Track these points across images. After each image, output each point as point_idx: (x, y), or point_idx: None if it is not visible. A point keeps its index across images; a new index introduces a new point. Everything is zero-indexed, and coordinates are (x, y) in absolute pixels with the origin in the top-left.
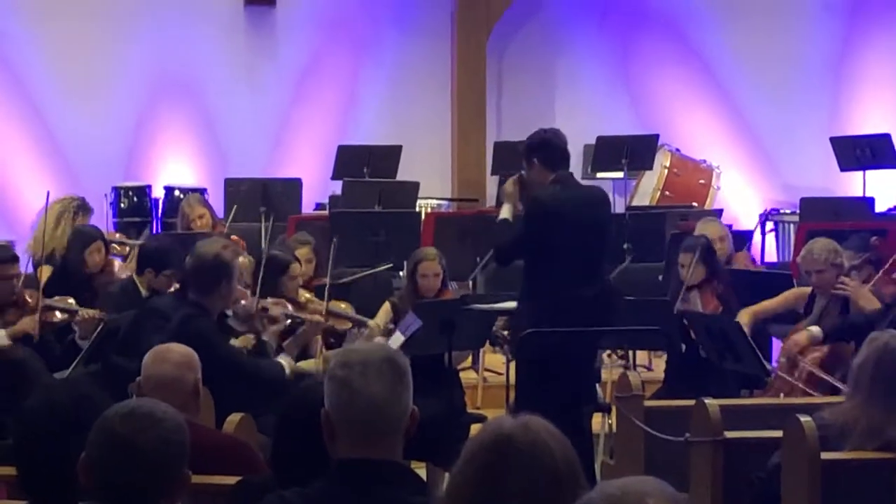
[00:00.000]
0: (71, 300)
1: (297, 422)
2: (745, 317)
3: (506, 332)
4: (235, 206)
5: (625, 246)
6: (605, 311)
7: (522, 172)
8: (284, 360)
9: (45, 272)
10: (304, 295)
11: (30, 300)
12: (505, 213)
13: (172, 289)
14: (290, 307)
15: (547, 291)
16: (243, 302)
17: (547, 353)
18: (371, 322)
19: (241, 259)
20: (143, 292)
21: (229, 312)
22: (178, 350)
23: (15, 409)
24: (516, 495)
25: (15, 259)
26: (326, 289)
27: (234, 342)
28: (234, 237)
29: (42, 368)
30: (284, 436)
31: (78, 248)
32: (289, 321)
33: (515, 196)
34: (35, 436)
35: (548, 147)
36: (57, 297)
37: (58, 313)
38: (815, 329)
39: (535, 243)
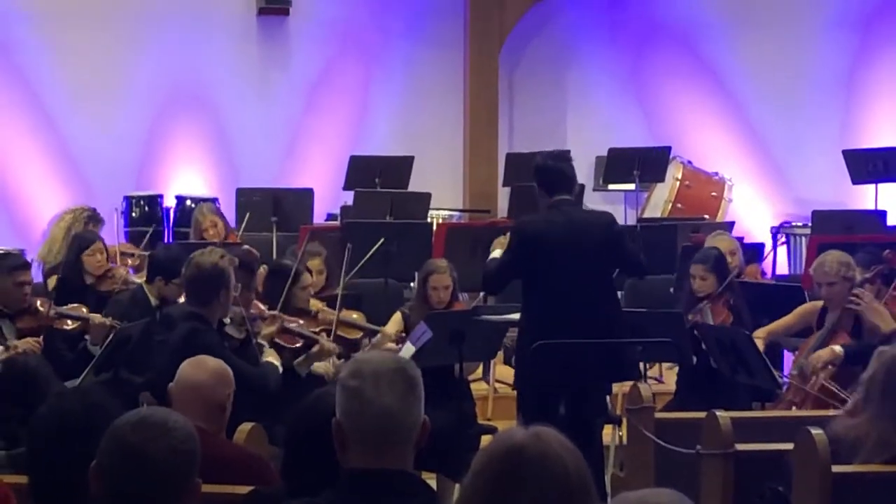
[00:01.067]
0: (83, 308)
1: (307, 431)
2: (759, 342)
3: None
4: (248, 214)
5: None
6: (601, 332)
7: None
8: (272, 357)
9: (55, 281)
10: (316, 305)
11: (41, 308)
12: (495, 254)
13: (182, 297)
14: (304, 327)
15: (538, 313)
16: (260, 316)
17: (552, 369)
18: (383, 329)
19: (260, 270)
20: (153, 301)
21: (227, 320)
22: (216, 362)
23: (26, 418)
24: None
25: (27, 266)
26: (339, 299)
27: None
28: (247, 247)
29: (53, 377)
30: (295, 445)
31: (75, 251)
32: (300, 344)
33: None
34: (46, 444)
35: (546, 172)
36: (69, 305)
37: (69, 321)
38: (839, 349)
39: (520, 268)
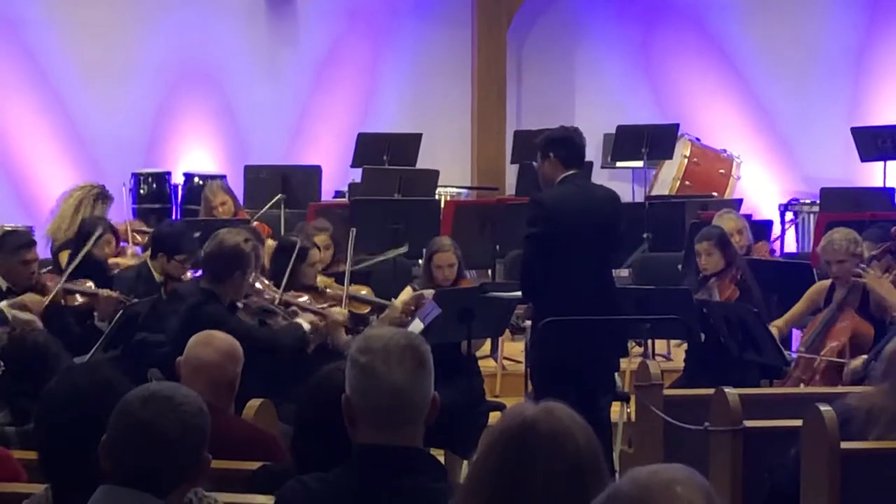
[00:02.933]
0: (90, 283)
1: (317, 407)
2: (776, 331)
3: (523, 325)
4: (268, 203)
5: (644, 235)
6: (610, 309)
7: (534, 163)
8: (303, 320)
9: (65, 257)
10: (324, 281)
11: (49, 284)
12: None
13: (188, 274)
14: (310, 301)
15: (551, 286)
16: (266, 294)
17: (561, 343)
18: (394, 301)
19: (268, 242)
20: (157, 277)
21: (240, 304)
22: (225, 339)
23: (35, 394)
24: (539, 482)
25: (32, 244)
26: (347, 274)
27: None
28: (257, 223)
29: (62, 353)
30: (305, 421)
31: (82, 240)
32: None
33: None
34: (56, 420)
35: (567, 144)
36: (76, 280)
37: (78, 296)
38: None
39: (548, 242)
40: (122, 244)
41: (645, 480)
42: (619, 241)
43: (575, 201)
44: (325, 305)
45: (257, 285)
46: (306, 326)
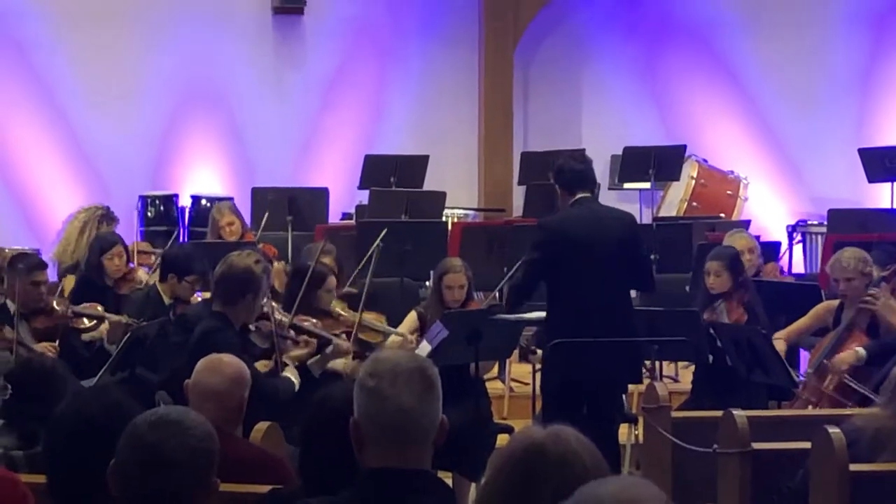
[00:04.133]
0: (99, 307)
1: (318, 428)
2: (781, 343)
3: (534, 348)
4: (267, 214)
5: (652, 256)
6: (622, 331)
7: None
8: (291, 375)
9: (70, 282)
10: (338, 307)
11: (57, 308)
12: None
13: (195, 296)
14: (320, 326)
15: (561, 308)
16: (278, 315)
17: (572, 365)
18: (398, 331)
19: (275, 265)
20: (166, 300)
21: (252, 327)
22: (233, 364)
23: (43, 417)
24: None
25: (43, 265)
26: (361, 302)
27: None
28: (264, 245)
29: (69, 376)
30: (307, 443)
31: (96, 253)
32: (317, 342)
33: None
34: (65, 443)
35: (565, 172)
36: (84, 304)
37: (86, 320)
38: (862, 351)
39: (547, 266)
40: (130, 265)
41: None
42: (637, 263)
43: (581, 224)
44: (337, 332)
45: (266, 309)
46: (296, 381)
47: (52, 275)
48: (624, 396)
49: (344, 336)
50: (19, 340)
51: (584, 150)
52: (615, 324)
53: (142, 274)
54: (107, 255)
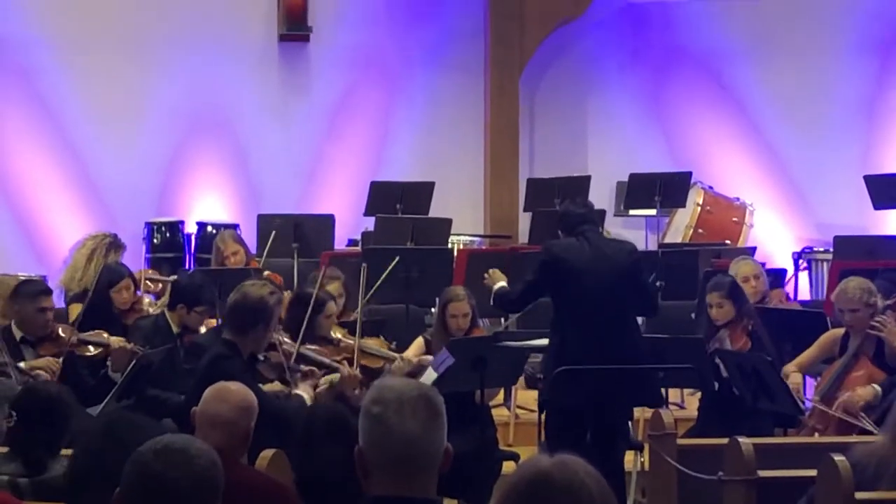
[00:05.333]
0: (104, 334)
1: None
2: (795, 377)
3: (539, 375)
4: (272, 238)
5: (657, 283)
6: (629, 357)
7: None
8: (304, 393)
9: (77, 309)
10: (338, 332)
11: (63, 334)
12: (501, 283)
13: (204, 326)
14: (326, 355)
15: (565, 336)
16: (285, 345)
17: (577, 393)
18: (402, 355)
19: (286, 293)
20: (175, 329)
21: (261, 357)
22: (240, 394)
23: (49, 444)
24: None
25: (49, 292)
26: (358, 327)
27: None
28: (268, 273)
29: (75, 404)
30: (302, 461)
31: (104, 286)
32: (323, 373)
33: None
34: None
35: (564, 218)
36: (91, 332)
37: (91, 347)
38: (878, 388)
39: (543, 289)
40: (137, 293)
41: None
42: (638, 289)
43: (582, 252)
44: (339, 358)
45: (276, 340)
46: (307, 398)
47: (58, 302)
48: (630, 423)
49: (345, 362)
50: (13, 364)
51: (589, 176)
52: (618, 350)
53: (146, 303)
54: (114, 289)
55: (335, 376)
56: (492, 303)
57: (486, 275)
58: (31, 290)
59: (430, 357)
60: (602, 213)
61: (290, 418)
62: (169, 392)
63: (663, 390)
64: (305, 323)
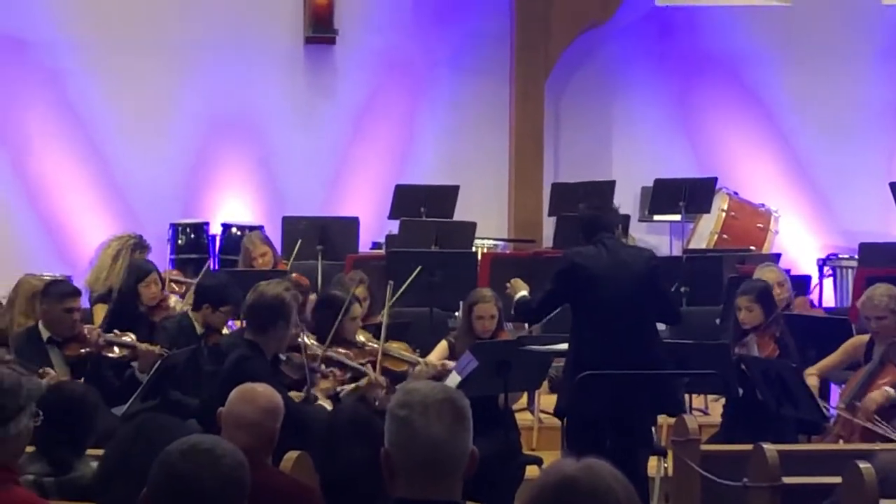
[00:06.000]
0: (131, 336)
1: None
2: (813, 379)
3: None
4: (300, 242)
5: (682, 289)
6: (648, 363)
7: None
8: (326, 404)
9: (101, 310)
10: (362, 335)
11: (90, 335)
12: (522, 292)
13: (227, 326)
14: (352, 358)
15: (583, 343)
16: (311, 348)
17: (597, 400)
18: (425, 360)
19: (311, 296)
20: (199, 329)
21: (283, 357)
22: (266, 395)
23: (74, 444)
24: None
25: (77, 293)
26: (383, 331)
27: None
28: (295, 275)
29: (100, 404)
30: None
31: (132, 281)
32: (349, 375)
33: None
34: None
35: (582, 225)
36: (116, 332)
37: (117, 349)
38: (892, 391)
39: (562, 298)
40: (164, 292)
41: None
42: (658, 297)
43: (600, 260)
44: (363, 361)
45: (300, 341)
46: (328, 408)
47: (83, 302)
48: (653, 429)
49: (369, 365)
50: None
51: (614, 181)
52: (636, 357)
53: (173, 301)
54: (143, 283)
55: (363, 381)
56: (513, 312)
57: (507, 284)
58: (60, 291)
59: (452, 362)
60: (627, 217)
61: (313, 421)
62: (189, 397)
63: (687, 396)
64: (336, 325)
